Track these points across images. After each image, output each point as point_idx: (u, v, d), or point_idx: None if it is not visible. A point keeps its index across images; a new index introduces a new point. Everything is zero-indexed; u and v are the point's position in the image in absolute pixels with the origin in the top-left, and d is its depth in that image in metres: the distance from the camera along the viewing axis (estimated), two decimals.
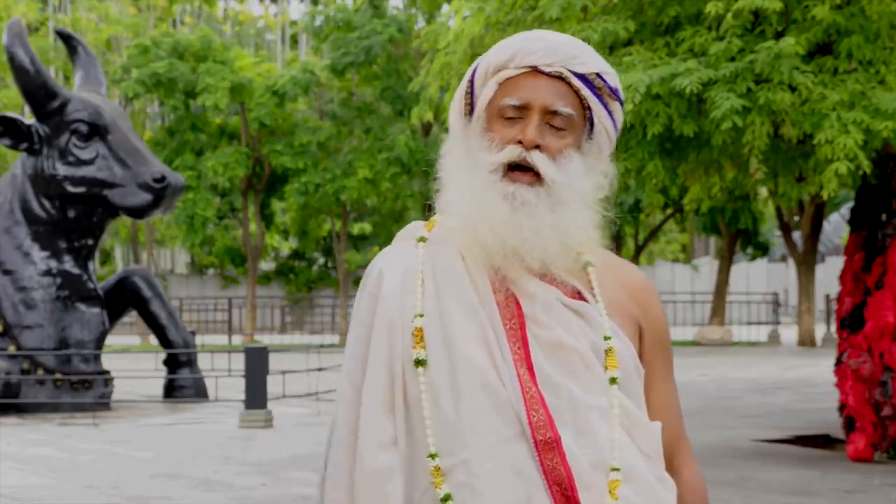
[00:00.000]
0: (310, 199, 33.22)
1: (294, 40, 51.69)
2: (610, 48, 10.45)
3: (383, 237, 40.79)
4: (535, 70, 2.28)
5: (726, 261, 34.62)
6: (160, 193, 16.31)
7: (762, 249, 41.96)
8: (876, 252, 11.16)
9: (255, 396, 14.26)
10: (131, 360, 24.43)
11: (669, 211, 32.07)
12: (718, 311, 34.27)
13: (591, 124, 2.33)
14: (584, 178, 2.26)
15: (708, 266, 48.40)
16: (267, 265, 47.76)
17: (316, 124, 34.03)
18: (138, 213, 16.63)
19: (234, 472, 10.71)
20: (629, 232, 36.39)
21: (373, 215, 41.59)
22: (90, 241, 16.89)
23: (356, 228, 44.44)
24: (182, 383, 17.77)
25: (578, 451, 2.16)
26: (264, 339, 34.22)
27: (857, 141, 9.47)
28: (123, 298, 17.93)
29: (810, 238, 30.92)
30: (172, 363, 17.93)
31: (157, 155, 28.09)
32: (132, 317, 34.89)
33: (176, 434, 13.87)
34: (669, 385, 2.37)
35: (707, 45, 9.95)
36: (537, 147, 2.23)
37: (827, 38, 10.11)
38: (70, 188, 16.39)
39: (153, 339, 24.84)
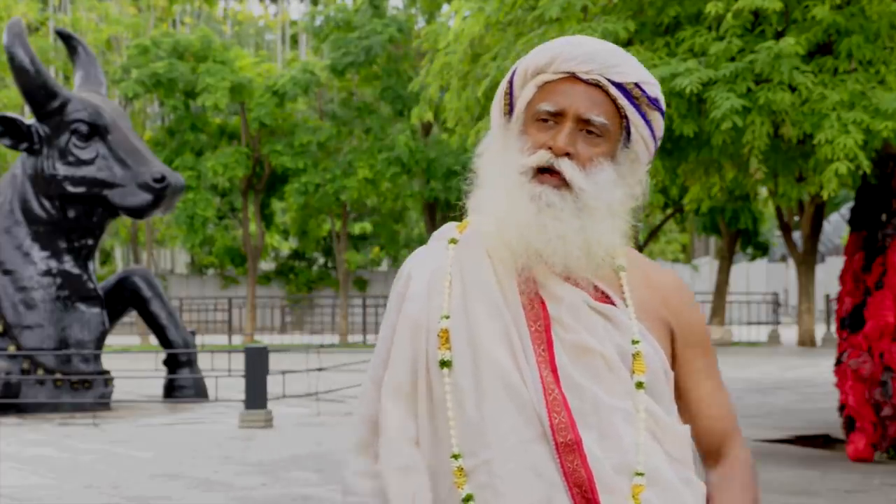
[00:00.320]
0: (310, 199, 33.22)
1: (294, 40, 51.69)
2: None
3: (383, 237, 40.79)
4: (573, 76, 2.28)
5: (726, 261, 34.62)
6: (160, 193, 16.31)
7: (762, 249, 41.94)
8: (876, 252, 11.16)
9: (255, 396, 14.27)
10: (131, 360, 24.44)
11: (669, 211, 32.06)
12: (718, 311, 34.28)
13: (629, 132, 2.33)
14: (613, 187, 2.27)
15: (708, 266, 48.42)
16: (267, 265, 47.76)
17: (316, 124, 34.03)
18: (138, 213, 16.63)
19: (234, 472, 10.71)
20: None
21: (373, 215, 41.58)
22: (90, 241, 16.89)
23: (356, 228, 44.44)
24: (182, 383, 17.77)
25: (601, 454, 2.17)
26: (264, 339, 34.22)
27: (857, 141, 9.47)
28: (123, 298, 17.93)
29: (810, 238, 30.93)
30: (172, 363, 17.93)
31: (157, 155, 28.11)
32: (132, 317, 34.89)
33: (176, 434, 13.87)
34: (714, 382, 2.35)
35: (707, 45, 9.95)
36: (567, 155, 2.24)
37: (827, 38, 10.11)
38: (70, 188, 16.39)
39: (153, 339, 24.85)
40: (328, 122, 34.40)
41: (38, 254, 16.57)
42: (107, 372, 16.88)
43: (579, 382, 2.20)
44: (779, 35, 10.15)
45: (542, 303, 2.25)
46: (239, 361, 20.19)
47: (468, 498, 2.18)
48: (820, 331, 34.97)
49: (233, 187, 36.15)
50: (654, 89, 2.32)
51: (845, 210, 45.74)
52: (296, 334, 39.57)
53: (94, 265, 17.62)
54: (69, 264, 16.65)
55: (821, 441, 12.61)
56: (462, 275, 2.29)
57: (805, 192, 12.76)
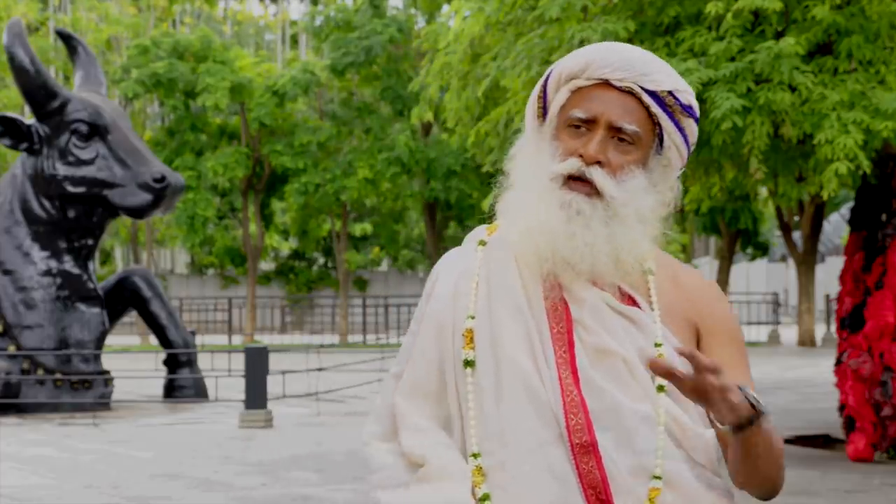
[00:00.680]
0: (310, 199, 33.23)
1: (294, 40, 51.71)
2: None
3: (383, 237, 40.79)
4: (607, 83, 2.29)
5: (726, 261, 34.60)
6: (160, 193, 16.31)
7: (762, 249, 41.94)
8: (876, 252, 11.16)
9: (255, 396, 14.27)
10: (131, 360, 24.44)
11: None
12: None
13: (661, 139, 2.33)
14: (644, 194, 2.27)
15: (708, 266, 48.39)
16: (267, 265, 47.77)
17: (316, 124, 34.03)
18: (138, 213, 16.63)
19: (234, 472, 10.71)
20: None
21: (373, 215, 41.59)
22: (90, 241, 16.89)
23: (356, 228, 44.45)
24: (182, 383, 17.77)
25: (617, 456, 2.17)
26: (264, 339, 34.22)
27: (857, 141, 9.47)
28: (123, 298, 17.93)
29: (810, 238, 30.92)
30: (172, 363, 17.93)
31: (157, 155, 28.10)
32: (132, 317, 34.89)
33: (176, 434, 13.87)
34: (743, 380, 2.30)
35: (707, 45, 9.95)
36: (598, 163, 2.24)
37: (827, 38, 10.11)
38: (70, 188, 16.39)
39: (153, 339, 24.85)
40: (328, 122, 34.41)
41: (38, 254, 16.57)
42: (107, 372, 16.88)
43: (599, 385, 2.20)
44: (779, 35, 10.15)
45: (566, 305, 2.26)
46: (239, 361, 20.18)
47: (485, 497, 2.20)
48: (820, 331, 34.96)
49: (233, 187, 36.16)
50: (688, 97, 2.33)
51: (845, 210, 45.72)
52: (296, 334, 39.57)
53: (94, 265, 17.62)
54: (69, 264, 16.65)
55: (821, 441, 12.60)
56: (489, 277, 2.31)
57: (805, 192, 12.75)
